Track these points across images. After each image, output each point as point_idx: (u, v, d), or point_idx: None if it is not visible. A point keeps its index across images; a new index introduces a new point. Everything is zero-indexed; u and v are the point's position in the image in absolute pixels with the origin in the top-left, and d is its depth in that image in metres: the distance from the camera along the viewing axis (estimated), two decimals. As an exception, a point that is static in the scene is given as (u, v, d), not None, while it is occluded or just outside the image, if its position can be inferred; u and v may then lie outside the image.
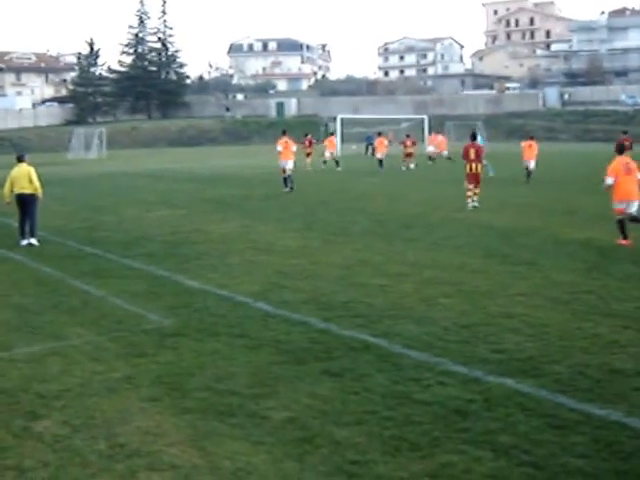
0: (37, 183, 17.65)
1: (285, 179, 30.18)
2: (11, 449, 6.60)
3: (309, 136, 46.90)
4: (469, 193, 23.22)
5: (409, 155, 43.85)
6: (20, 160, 18.01)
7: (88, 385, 8.14)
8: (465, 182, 23.58)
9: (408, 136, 46.18)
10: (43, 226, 19.25)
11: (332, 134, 51.53)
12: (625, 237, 16.29)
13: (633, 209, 16.48)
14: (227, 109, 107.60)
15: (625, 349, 8.95)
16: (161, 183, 36.14)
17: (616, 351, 8.88)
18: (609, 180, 16.55)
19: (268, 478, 5.94)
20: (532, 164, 32.87)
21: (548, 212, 21.97)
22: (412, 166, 43.37)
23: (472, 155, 23.17)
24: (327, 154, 46.34)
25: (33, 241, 17.55)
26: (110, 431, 6.91)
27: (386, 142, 45.96)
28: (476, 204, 23.12)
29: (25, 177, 17.62)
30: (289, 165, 30.19)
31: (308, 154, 44.65)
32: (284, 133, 32.45)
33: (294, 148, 31.11)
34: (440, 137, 50.63)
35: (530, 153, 32.95)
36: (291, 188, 29.70)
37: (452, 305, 11.20)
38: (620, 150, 17.17)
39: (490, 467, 6.04)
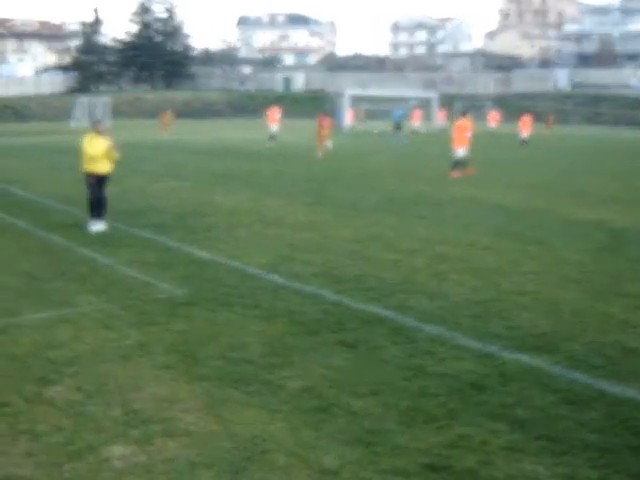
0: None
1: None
2: (23, 414, 6.53)
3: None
4: None
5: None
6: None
7: (100, 352, 8.08)
8: None
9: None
10: (49, 194, 19.21)
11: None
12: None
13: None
14: (242, 82, 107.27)
15: (636, 329, 8.99)
16: (166, 154, 35.95)
17: (628, 330, 8.91)
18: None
19: (285, 445, 5.95)
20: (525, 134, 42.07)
21: (558, 193, 21.92)
22: None
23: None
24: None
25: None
26: (124, 397, 6.87)
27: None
28: None
29: None
30: (275, 128, 42.28)
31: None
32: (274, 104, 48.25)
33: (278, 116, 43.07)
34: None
35: (527, 126, 41.84)
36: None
37: (464, 281, 11.20)
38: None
39: (506, 440, 6.07)
